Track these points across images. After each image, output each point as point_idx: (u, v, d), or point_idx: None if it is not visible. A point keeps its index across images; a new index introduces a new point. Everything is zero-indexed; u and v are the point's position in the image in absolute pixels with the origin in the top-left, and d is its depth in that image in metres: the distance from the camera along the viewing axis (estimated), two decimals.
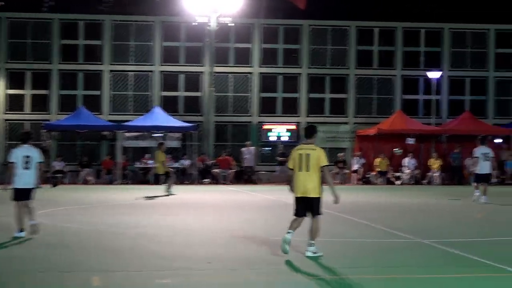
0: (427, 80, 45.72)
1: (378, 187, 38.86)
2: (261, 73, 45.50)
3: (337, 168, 42.12)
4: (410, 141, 42.62)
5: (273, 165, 43.60)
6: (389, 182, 42.04)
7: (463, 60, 47.27)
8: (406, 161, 42.54)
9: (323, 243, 14.02)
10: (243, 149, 42.32)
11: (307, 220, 13.57)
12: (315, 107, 45.78)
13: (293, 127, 44.55)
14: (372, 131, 42.95)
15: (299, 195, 13.31)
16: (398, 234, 16.19)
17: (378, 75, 46.56)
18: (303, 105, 45.88)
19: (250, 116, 45.26)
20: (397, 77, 46.65)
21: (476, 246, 14.97)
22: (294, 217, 13.46)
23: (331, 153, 41.49)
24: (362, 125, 45.37)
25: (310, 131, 13.51)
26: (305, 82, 45.90)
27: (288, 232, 13.19)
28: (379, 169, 42.10)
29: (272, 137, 44.45)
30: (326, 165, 13.23)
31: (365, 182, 42.19)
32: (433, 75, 44.56)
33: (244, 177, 41.82)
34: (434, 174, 41.89)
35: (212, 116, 44.20)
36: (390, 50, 46.87)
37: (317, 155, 13.20)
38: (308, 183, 13.13)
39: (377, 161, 42.15)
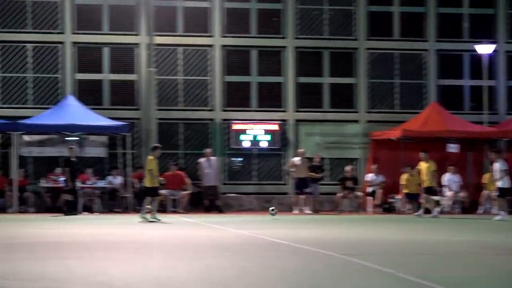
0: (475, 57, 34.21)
1: (405, 218, 29.05)
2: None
3: (343, 189, 32.07)
4: (452, 148, 32.42)
5: (246, 183, 33.36)
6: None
7: None
8: (446, 178, 32.07)
9: None
10: (202, 159, 32.09)
11: None
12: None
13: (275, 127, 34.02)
14: (394, 133, 32.21)
15: None
16: None
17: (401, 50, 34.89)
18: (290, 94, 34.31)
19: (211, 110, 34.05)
20: (429, 52, 34.69)
21: None
22: None
23: (335, 166, 33.55)
24: (379, 124, 34.00)
25: None
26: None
27: None
28: (407, 191, 30.98)
29: (246, 142, 34.06)
30: None
31: (387, 210, 32.06)
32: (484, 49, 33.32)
33: (205, 202, 31.91)
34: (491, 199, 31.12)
35: (154, 110, 33.03)
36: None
37: None
38: None
39: (404, 178, 31.07)
